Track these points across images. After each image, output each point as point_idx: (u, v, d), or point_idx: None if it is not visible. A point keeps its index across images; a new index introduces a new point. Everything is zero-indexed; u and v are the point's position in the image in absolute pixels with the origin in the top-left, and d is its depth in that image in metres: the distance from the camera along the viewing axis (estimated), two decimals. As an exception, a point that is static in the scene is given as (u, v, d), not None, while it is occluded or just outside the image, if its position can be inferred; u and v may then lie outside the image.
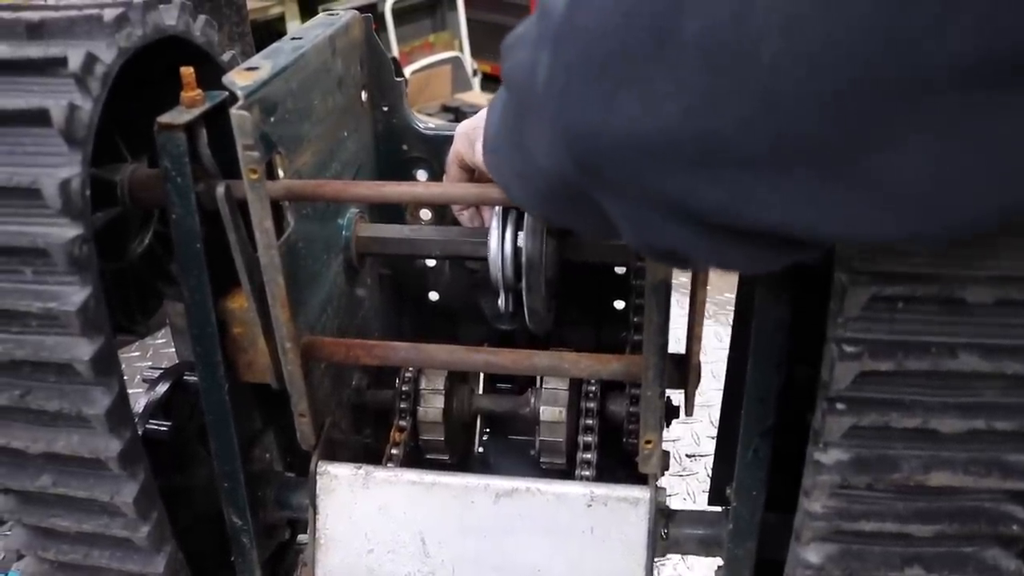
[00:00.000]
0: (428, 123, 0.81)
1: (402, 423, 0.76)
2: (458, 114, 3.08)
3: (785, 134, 0.29)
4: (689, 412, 0.65)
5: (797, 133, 0.29)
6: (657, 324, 0.58)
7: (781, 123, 0.29)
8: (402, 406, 0.76)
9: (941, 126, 0.27)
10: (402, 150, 0.83)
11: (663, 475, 0.69)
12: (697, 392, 0.66)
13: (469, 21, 3.72)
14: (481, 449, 0.86)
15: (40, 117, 0.52)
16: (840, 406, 0.48)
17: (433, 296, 0.91)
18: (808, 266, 0.49)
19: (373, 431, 0.84)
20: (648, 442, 0.63)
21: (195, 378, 0.79)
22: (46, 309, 0.54)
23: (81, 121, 0.53)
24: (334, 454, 0.72)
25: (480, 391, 0.84)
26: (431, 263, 0.89)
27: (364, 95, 0.79)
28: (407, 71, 3.20)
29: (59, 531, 0.64)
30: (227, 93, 0.62)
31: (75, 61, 0.53)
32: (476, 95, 3.27)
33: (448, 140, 0.80)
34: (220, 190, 0.58)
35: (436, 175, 0.83)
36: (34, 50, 0.54)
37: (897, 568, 0.53)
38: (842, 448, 0.50)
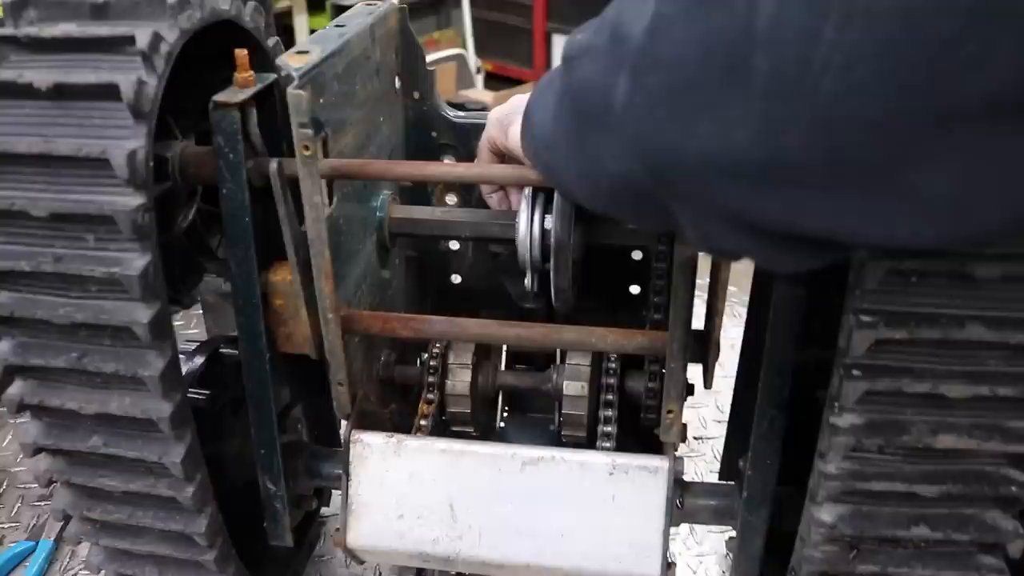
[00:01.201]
0: (457, 112, 0.85)
1: (430, 396, 0.79)
2: (462, 111, 3.10)
3: (837, 156, 0.33)
4: (708, 385, 0.68)
5: (848, 155, 0.33)
6: (683, 300, 0.61)
7: (835, 146, 0.33)
8: (430, 380, 0.79)
9: (970, 147, 0.32)
10: (431, 137, 0.86)
11: (679, 447, 0.72)
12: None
13: (473, 20, 3.76)
14: (502, 425, 0.89)
15: (109, 92, 0.55)
16: (856, 372, 0.52)
17: (456, 279, 0.94)
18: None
19: (397, 406, 0.87)
20: (670, 412, 0.66)
21: (230, 351, 0.83)
22: (109, 273, 0.57)
23: (147, 96, 0.56)
24: (364, 425, 0.75)
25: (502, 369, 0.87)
26: (455, 246, 0.93)
27: (397, 82, 0.82)
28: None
29: (106, 491, 0.67)
30: (275, 75, 0.66)
31: (143, 39, 0.56)
32: (480, 92, 3.31)
33: (476, 128, 0.84)
34: (273, 166, 0.61)
35: (464, 161, 0.86)
36: (102, 28, 0.58)
37: (904, 527, 0.57)
38: (856, 413, 0.53)
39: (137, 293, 0.57)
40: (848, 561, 0.59)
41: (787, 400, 0.65)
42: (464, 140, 0.86)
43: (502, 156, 0.73)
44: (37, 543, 0.91)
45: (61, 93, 0.56)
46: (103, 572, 0.76)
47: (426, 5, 3.74)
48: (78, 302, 0.59)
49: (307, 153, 0.59)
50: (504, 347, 0.87)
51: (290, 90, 0.58)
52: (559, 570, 0.72)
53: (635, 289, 0.91)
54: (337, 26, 0.71)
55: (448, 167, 0.67)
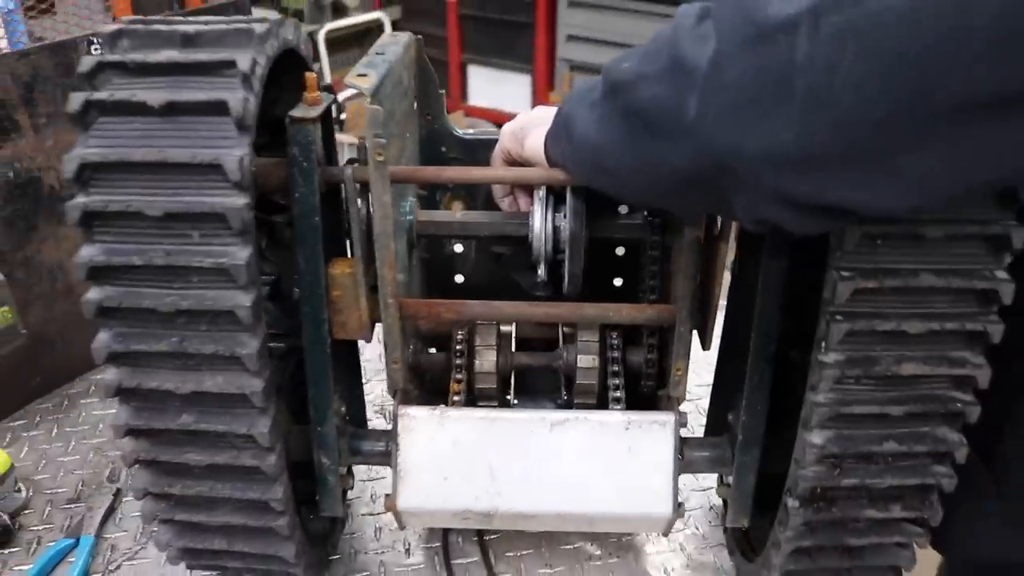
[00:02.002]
0: (466, 130, 0.97)
1: (459, 376, 0.90)
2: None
3: (852, 148, 0.48)
4: (707, 346, 0.82)
5: (859, 147, 0.48)
6: (689, 274, 0.75)
7: (850, 142, 0.48)
8: (458, 362, 0.90)
9: (941, 137, 0.47)
10: (441, 151, 0.98)
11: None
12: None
13: (394, 54, 3.88)
14: (515, 401, 1.00)
15: (218, 108, 0.64)
16: (839, 317, 0.66)
17: (459, 279, 1.05)
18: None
19: (419, 390, 0.97)
20: (678, 369, 0.80)
21: (276, 344, 0.91)
22: (218, 264, 0.66)
23: (249, 111, 0.65)
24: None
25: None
26: (459, 249, 1.04)
27: (415, 104, 0.94)
28: (340, 97, 3.33)
29: (189, 466, 0.75)
30: (333, 96, 0.77)
31: (244, 63, 0.66)
32: (408, 123, 3.43)
33: (479, 143, 0.96)
34: (348, 171, 0.72)
35: (469, 172, 0.98)
36: (201, 55, 0.67)
37: (877, 444, 0.71)
38: (839, 351, 0.68)
39: (243, 280, 0.66)
40: (834, 477, 0.73)
41: (773, 356, 0.79)
42: (470, 153, 0.98)
43: (514, 164, 0.85)
44: (78, 540, 0.95)
45: (172, 109, 0.65)
46: (169, 551, 0.82)
47: (352, 38, 3.84)
48: (181, 292, 0.67)
49: (379, 159, 0.70)
50: (513, 334, 0.98)
51: (367, 105, 0.69)
52: (586, 516, 0.83)
53: (618, 282, 1.04)
54: (378, 53, 0.82)
55: (491, 171, 0.79)
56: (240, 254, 0.66)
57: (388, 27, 3.91)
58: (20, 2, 2.30)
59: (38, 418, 1.16)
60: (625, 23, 3.75)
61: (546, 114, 0.78)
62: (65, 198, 1.11)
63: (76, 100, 0.66)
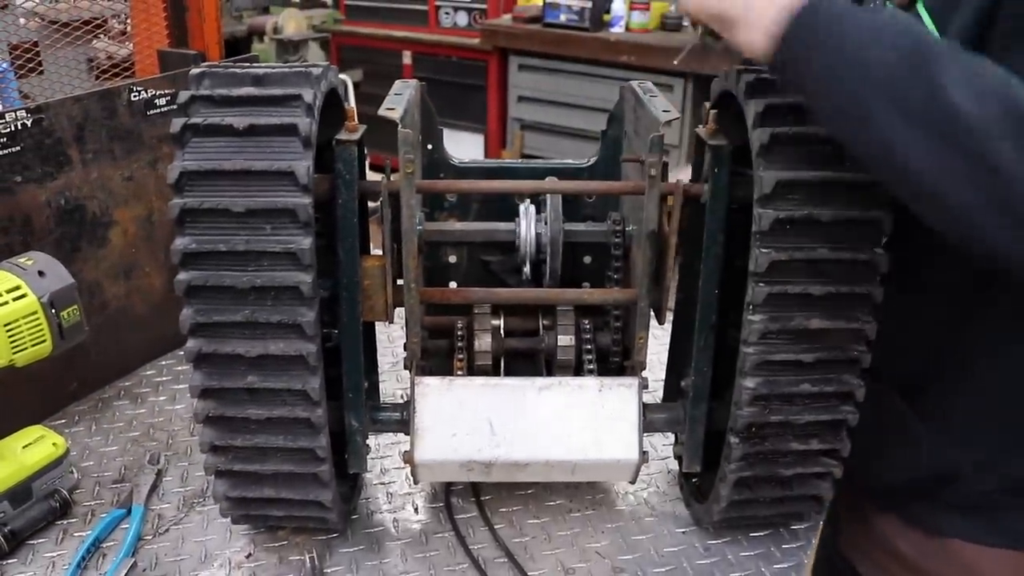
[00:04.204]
0: (462, 159, 1.18)
1: (460, 356, 1.09)
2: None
3: None
4: (662, 321, 1.03)
5: None
6: (648, 259, 0.96)
7: None
8: (460, 344, 1.09)
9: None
10: (440, 177, 1.18)
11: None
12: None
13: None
14: (505, 381, 1.19)
15: (290, 129, 0.84)
16: (761, 284, 0.88)
17: (452, 285, 1.25)
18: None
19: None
20: (640, 338, 1.00)
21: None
22: (287, 249, 0.85)
23: (312, 133, 0.85)
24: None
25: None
26: (453, 260, 1.23)
27: (419, 136, 1.14)
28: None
29: (251, 420, 0.92)
30: (364, 127, 0.97)
31: (308, 97, 0.86)
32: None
33: (472, 170, 1.18)
34: (384, 181, 0.92)
35: (464, 198, 1.18)
36: (275, 90, 0.87)
37: (795, 386, 0.92)
38: (762, 311, 0.89)
39: (307, 261, 0.85)
40: (764, 415, 0.94)
41: (713, 326, 1.00)
42: (463, 178, 1.18)
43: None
44: (129, 509, 1.10)
45: (253, 130, 0.85)
46: (223, 504, 0.98)
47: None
48: (255, 272, 0.86)
49: (409, 171, 0.90)
50: (502, 323, 1.17)
51: (400, 129, 0.89)
52: (569, 463, 1.02)
53: (586, 285, 1.25)
54: (396, 94, 1.02)
55: (492, 183, 1.00)
56: (304, 241, 0.85)
57: (351, 88, 4.15)
58: (12, 63, 2.46)
59: (76, 417, 1.31)
60: (571, 84, 4.06)
61: None
62: (105, 223, 1.29)
63: (176, 124, 0.85)
